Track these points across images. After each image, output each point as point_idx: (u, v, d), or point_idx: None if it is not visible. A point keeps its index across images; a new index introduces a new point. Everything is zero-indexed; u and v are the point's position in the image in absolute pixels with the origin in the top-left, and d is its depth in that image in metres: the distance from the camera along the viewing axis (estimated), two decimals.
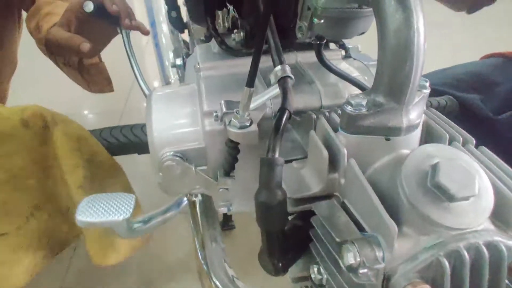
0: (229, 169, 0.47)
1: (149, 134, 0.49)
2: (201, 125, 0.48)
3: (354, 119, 0.30)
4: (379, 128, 0.30)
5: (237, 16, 0.60)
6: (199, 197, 0.68)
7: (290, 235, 0.33)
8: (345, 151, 0.30)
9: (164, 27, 1.15)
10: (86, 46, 0.72)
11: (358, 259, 0.24)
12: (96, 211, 0.54)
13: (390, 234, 0.24)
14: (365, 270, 0.25)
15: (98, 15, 0.75)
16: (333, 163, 0.32)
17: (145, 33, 0.81)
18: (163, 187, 0.54)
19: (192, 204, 0.69)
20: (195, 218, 0.66)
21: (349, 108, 0.30)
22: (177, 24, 0.98)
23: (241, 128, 0.42)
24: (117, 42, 0.86)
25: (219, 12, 0.62)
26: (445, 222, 0.24)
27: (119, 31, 0.83)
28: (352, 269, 0.25)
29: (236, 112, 0.42)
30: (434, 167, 0.25)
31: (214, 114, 0.45)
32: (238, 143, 0.45)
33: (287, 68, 0.42)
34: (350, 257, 0.24)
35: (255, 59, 0.38)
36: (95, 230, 0.68)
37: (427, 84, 0.32)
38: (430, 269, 0.24)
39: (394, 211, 0.26)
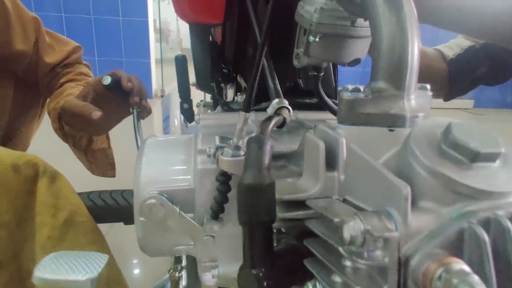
0: (217, 210, 0.41)
1: (136, 176, 0.46)
2: (193, 164, 0.45)
3: (353, 105, 0.27)
4: (381, 116, 0.27)
5: (241, 83, 0.63)
6: (183, 279, 0.59)
7: (281, 255, 0.26)
8: (344, 140, 0.26)
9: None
10: (97, 114, 0.74)
11: (362, 227, 0.18)
12: (58, 267, 0.47)
13: (402, 199, 0.19)
14: (372, 248, 0.18)
15: (114, 90, 0.79)
16: (332, 159, 0.27)
17: (147, 111, 0.83)
18: (142, 243, 0.47)
19: (174, 284, 0.59)
20: None
21: (346, 94, 0.27)
22: (188, 115, 1.04)
23: (233, 156, 0.39)
24: (129, 132, 0.87)
25: (226, 86, 0.66)
26: (471, 183, 0.19)
27: (131, 110, 0.87)
28: (356, 248, 0.18)
29: (230, 141, 0.40)
30: (448, 128, 0.21)
31: (208, 149, 0.43)
32: (229, 178, 0.41)
33: (285, 101, 0.41)
34: (351, 230, 0.18)
35: (252, 83, 0.38)
36: None
37: (428, 87, 0.30)
38: (461, 244, 0.18)
39: None
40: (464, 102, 4.62)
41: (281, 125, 0.34)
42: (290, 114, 0.40)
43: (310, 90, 0.53)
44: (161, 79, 4.04)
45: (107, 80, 0.77)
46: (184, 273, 0.57)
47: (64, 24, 3.25)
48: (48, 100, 0.97)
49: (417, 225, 0.19)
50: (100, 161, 1.01)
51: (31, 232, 0.56)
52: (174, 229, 0.44)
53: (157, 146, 0.50)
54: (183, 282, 0.57)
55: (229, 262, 0.45)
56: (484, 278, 0.17)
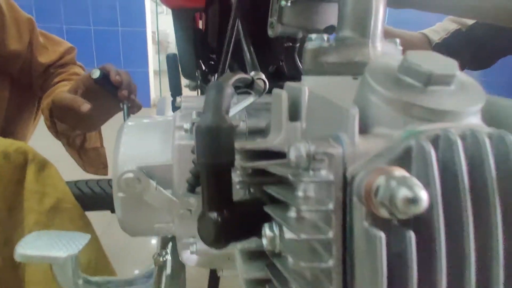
0: (194, 183, 0.41)
1: (114, 153, 0.45)
2: (172, 140, 0.44)
3: (317, 54, 0.27)
4: (345, 64, 0.26)
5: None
6: (168, 265, 0.58)
7: (242, 203, 0.26)
8: (306, 88, 0.26)
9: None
10: (86, 106, 0.74)
11: (307, 147, 0.18)
12: (40, 244, 0.46)
13: (350, 119, 0.18)
14: (318, 165, 0.17)
15: (103, 83, 0.79)
16: (296, 112, 0.27)
17: (137, 106, 0.83)
18: (122, 221, 0.47)
19: (159, 269, 0.58)
20: (159, 277, 0.55)
21: (310, 43, 0.27)
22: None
23: None
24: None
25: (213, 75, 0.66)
26: (424, 104, 0.18)
27: (121, 106, 0.87)
28: (303, 169, 0.18)
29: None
30: (404, 57, 0.20)
31: (185, 124, 0.42)
32: None
33: (261, 74, 0.40)
34: (296, 150, 0.18)
35: (225, 56, 0.38)
36: None
37: (398, 41, 0.30)
38: (409, 161, 0.17)
39: (362, 120, 0.20)
40: None
41: (249, 85, 0.34)
42: (266, 87, 0.40)
43: (293, 74, 0.53)
44: (159, 89, 4.09)
45: (96, 74, 0.77)
46: (169, 258, 0.56)
47: (65, 35, 3.29)
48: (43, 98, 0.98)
49: (366, 147, 0.18)
50: (93, 159, 1.01)
51: (21, 219, 0.56)
52: (152, 205, 0.43)
53: (137, 127, 0.49)
54: (168, 268, 0.56)
55: None
56: (430, 192, 0.16)
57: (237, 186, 0.27)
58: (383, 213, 0.15)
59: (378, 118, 0.20)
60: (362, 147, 0.18)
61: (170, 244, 0.58)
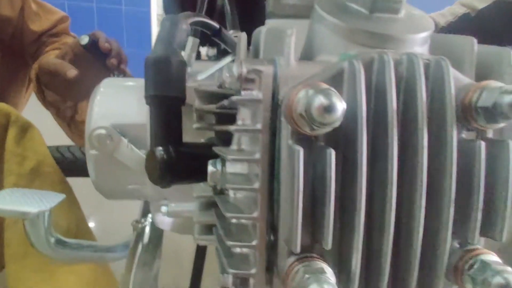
0: None
1: (89, 111, 0.45)
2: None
3: None
4: (308, 7, 0.25)
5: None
6: (147, 230, 0.59)
7: (191, 145, 0.25)
8: (265, 30, 0.25)
9: None
10: (72, 72, 0.73)
11: (239, 66, 0.17)
12: (13, 200, 0.46)
13: (285, 41, 0.17)
14: (250, 86, 0.17)
15: (91, 50, 0.78)
16: (256, 55, 0.26)
17: (128, 77, 0.83)
18: (96, 181, 0.46)
19: (137, 236, 0.59)
20: (136, 244, 0.55)
21: None
22: None
23: None
24: None
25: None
26: (366, 28, 0.17)
27: (111, 75, 0.86)
28: (235, 89, 0.17)
29: None
30: None
31: None
32: None
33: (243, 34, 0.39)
34: (229, 70, 0.17)
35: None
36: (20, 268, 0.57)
37: None
38: (341, 82, 0.16)
39: (308, 48, 0.20)
40: None
41: (216, 34, 0.32)
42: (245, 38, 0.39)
43: None
44: None
45: (85, 40, 0.76)
46: (147, 225, 0.56)
47: (67, 10, 3.28)
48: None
49: (302, 71, 0.17)
50: (83, 132, 1.00)
51: (1, 181, 0.56)
52: (125, 165, 0.43)
53: (113, 86, 0.49)
54: (145, 236, 0.56)
55: (180, 199, 0.44)
56: (356, 112, 0.15)
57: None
58: (304, 127, 0.14)
59: (323, 46, 0.19)
60: (298, 71, 0.17)
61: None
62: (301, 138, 0.16)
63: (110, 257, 0.60)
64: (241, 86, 0.17)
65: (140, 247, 0.58)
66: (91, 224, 0.96)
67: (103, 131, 0.42)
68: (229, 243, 0.17)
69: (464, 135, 0.17)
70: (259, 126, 0.16)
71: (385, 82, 0.16)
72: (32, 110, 1.09)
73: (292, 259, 0.16)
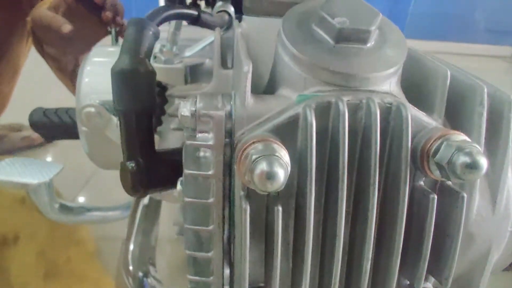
0: (154, 122, 0.40)
1: (78, 84, 0.44)
2: None
3: None
4: (286, 4, 0.24)
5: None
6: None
7: (169, 152, 0.25)
8: (240, 30, 0.23)
9: None
10: (67, 27, 0.71)
11: (194, 106, 0.16)
12: (13, 171, 0.48)
13: (242, 76, 0.16)
14: (205, 127, 0.16)
15: (85, 2, 0.75)
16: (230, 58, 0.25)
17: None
18: (89, 153, 0.47)
19: (137, 198, 0.61)
20: (134, 212, 0.58)
21: None
22: None
23: (166, 63, 0.36)
24: None
25: None
26: (327, 65, 0.16)
27: (109, 29, 0.83)
28: (191, 128, 0.17)
29: (164, 48, 0.37)
30: (324, 3, 0.18)
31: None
32: (164, 89, 0.39)
33: (230, 7, 0.37)
34: (184, 109, 0.17)
35: None
36: None
37: None
38: (296, 129, 0.16)
39: (272, 78, 0.19)
40: (501, 48, 2.95)
41: (194, 21, 0.30)
42: (229, 20, 0.37)
43: None
44: None
45: None
46: None
47: None
48: None
49: (260, 109, 0.17)
50: None
51: None
52: (115, 141, 0.44)
53: (106, 55, 0.47)
54: (146, 198, 0.59)
55: None
56: (306, 165, 0.15)
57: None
58: (251, 185, 0.14)
59: (284, 77, 0.18)
60: (255, 109, 0.17)
61: None
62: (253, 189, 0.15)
63: (112, 217, 0.63)
64: (196, 127, 0.16)
65: (139, 209, 0.60)
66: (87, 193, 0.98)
67: (92, 109, 0.42)
68: (190, 277, 0.18)
69: (423, 182, 0.16)
70: (211, 172, 0.16)
71: (338, 132, 0.15)
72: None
73: None
